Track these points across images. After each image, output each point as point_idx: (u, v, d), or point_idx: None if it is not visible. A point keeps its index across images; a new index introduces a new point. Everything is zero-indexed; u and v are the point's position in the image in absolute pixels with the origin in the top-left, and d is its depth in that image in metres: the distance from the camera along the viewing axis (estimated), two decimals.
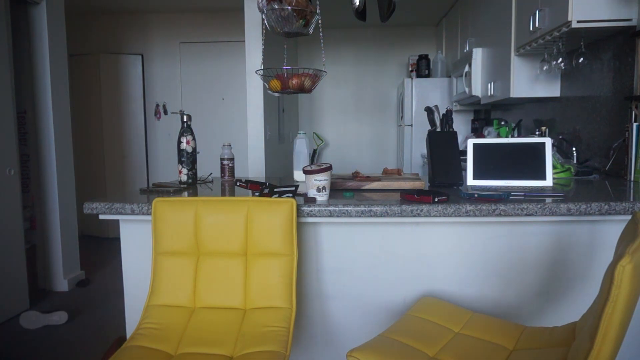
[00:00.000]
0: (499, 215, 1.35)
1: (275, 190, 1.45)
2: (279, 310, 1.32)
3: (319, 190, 1.44)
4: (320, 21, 1.82)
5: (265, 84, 1.90)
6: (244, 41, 3.87)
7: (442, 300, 1.45)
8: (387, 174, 1.95)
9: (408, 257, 1.51)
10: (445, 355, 1.13)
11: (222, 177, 2.10)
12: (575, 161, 2.39)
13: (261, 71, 1.93)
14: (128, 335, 1.56)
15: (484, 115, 4.53)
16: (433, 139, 1.76)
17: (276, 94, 2.17)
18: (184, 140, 1.84)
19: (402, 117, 4.88)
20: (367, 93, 5.53)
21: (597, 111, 2.43)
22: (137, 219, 1.52)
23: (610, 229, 1.47)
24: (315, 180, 1.44)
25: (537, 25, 2.39)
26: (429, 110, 1.80)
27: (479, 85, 3.57)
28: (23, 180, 3.25)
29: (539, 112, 3.19)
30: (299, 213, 1.39)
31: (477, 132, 4.33)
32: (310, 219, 1.43)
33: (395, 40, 5.44)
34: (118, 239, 4.72)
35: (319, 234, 1.52)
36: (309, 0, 1.77)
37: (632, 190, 1.60)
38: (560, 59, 2.43)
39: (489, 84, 3.29)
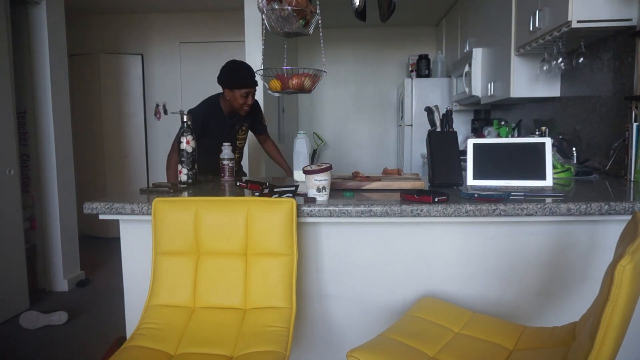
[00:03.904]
0: (499, 215, 1.35)
1: (275, 190, 1.45)
2: (279, 310, 1.32)
3: (319, 190, 1.44)
4: (320, 21, 1.82)
5: (265, 84, 1.90)
6: (244, 41, 3.87)
7: (442, 300, 1.45)
8: (387, 174, 1.95)
9: (408, 257, 1.51)
10: (445, 355, 1.13)
11: (222, 177, 2.10)
12: (575, 161, 2.39)
13: (261, 71, 1.93)
14: (128, 335, 1.56)
15: (484, 115, 4.53)
16: (433, 139, 1.76)
17: (276, 94, 2.17)
18: (184, 140, 1.84)
19: (402, 117, 4.87)
20: (367, 93, 5.52)
21: (597, 111, 2.43)
22: (137, 219, 1.52)
23: (610, 229, 1.47)
24: (315, 180, 1.44)
25: (537, 25, 2.39)
26: (429, 110, 1.80)
27: (479, 85, 3.57)
28: (23, 180, 3.25)
29: (539, 112, 3.19)
30: (299, 213, 1.39)
31: (477, 132, 4.33)
32: (310, 219, 1.43)
33: (395, 40, 5.44)
34: (118, 239, 4.75)
35: (319, 234, 1.52)
36: (309, 0, 1.77)
37: (632, 190, 1.60)
38: (560, 59, 2.42)
39: (489, 84, 3.29)
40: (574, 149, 2.46)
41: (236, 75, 2.34)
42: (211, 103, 2.51)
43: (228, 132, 2.52)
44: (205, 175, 2.57)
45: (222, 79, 2.39)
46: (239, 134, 2.62)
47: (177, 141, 2.49)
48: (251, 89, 2.37)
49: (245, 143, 2.73)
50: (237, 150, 2.65)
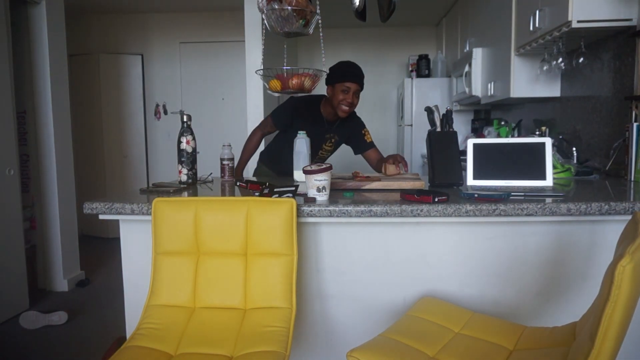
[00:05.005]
0: (499, 215, 1.35)
1: (275, 190, 1.45)
2: (279, 310, 1.32)
3: (319, 190, 1.44)
4: (320, 21, 1.82)
5: (265, 84, 1.90)
6: (244, 41, 3.87)
7: (442, 300, 1.45)
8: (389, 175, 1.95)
9: (408, 257, 1.51)
10: (445, 355, 1.13)
11: (222, 177, 2.10)
12: (575, 161, 2.39)
13: (261, 71, 1.93)
14: (128, 335, 1.56)
15: (484, 115, 4.52)
16: (433, 139, 1.76)
17: (276, 94, 2.17)
18: (184, 140, 1.84)
19: (402, 117, 4.87)
20: (367, 93, 5.51)
21: (597, 111, 2.43)
22: (137, 219, 1.52)
23: (610, 229, 1.47)
24: (315, 180, 1.44)
25: (537, 25, 2.39)
26: (429, 110, 1.79)
27: (479, 85, 3.57)
28: (23, 180, 3.25)
29: (539, 112, 3.19)
30: (299, 213, 1.38)
31: (477, 132, 4.33)
32: (310, 219, 1.43)
33: (395, 40, 5.44)
34: (118, 239, 4.74)
35: (319, 234, 1.52)
36: (309, 0, 1.77)
37: (632, 190, 1.60)
38: (560, 59, 2.42)
39: (489, 84, 3.29)
40: (574, 149, 2.46)
41: (338, 67, 2.22)
42: (311, 99, 2.32)
43: (316, 136, 2.27)
44: (269, 170, 2.50)
45: (327, 76, 2.24)
46: (326, 143, 2.40)
47: (264, 121, 2.40)
48: (352, 85, 2.18)
49: (328, 156, 2.50)
50: (318, 161, 2.43)
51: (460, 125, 4.60)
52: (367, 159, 2.46)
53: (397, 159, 2.02)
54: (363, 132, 2.43)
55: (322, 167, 1.44)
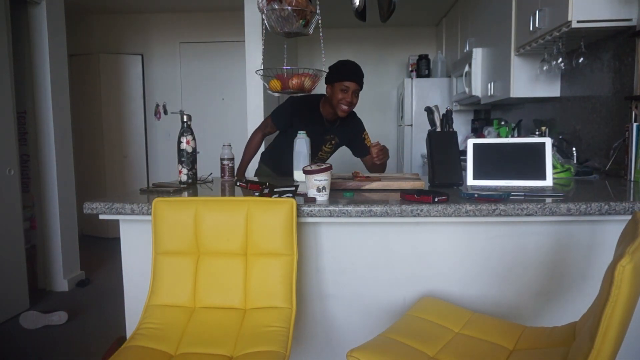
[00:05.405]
0: (499, 215, 1.35)
1: (275, 190, 1.45)
2: (279, 310, 1.32)
3: (319, 190, 1.44)
4: (320, 21, 1.82)
5: (265, 84, 1.90)
6: (244, 41, 3.87)
7: (442, 300, 1.45)
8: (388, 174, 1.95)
9: (408, 257, 1.51)
10: (445, 355, 1.13)
11: (222, 177, 2.10)
12: (575, 161, 2.39)
13: (261, 71, 1.93)
14: (128, 335, 1.56)
15: (484, 115, 4.53)
16: (433, 139, 1.76)
17: (276, 94, 2.17)
18: (184, 140, 1.84)
19: (402, 117, 4.87)
20: (367, 93, 5.51)
21: (597, 111, 2.43)
22: (137, 219, 1.52)
23: (610, 229, 1.47)
24: (315, 180, 1.44)
25: (537, 25, 2.39)
26: (429, 110, 1.79)
27: (479, 85, 3.57)
28: (23, 180, 3.25)
29: (539, 112, 3.19)
30: (299, 213, 1.39)
31: (477, 132, 4.33)
32: (310, 219, 1.43)
33: (395, 40, 5.44)
34: (118, 239, 4.74)
35: (319, 234, 1.52)
36: (309, 0, 1.77)
37: (632, 190, 1.60)
38: (560, 59, 2.42)
39: (489, 84, 3.29)
40: (574, 149, 2.46)
41: (337, 66, 2.22)
42: (310, 99, 2.29)
43: (316, 136, 2.24)
44: (269, 169, 2.53)
45: (326, 75, 2.22)
46: (325, 145, 2.39)
47: (264, 122, 2.40)
48: (351, 84, 2.18)
49: (327, 157, 2.48)
50: (317, 162, 2.40)
51: (460, 125, 4.60)
52: (364, 161, 2.48)
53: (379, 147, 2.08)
54: (363, 135, 2.44)
55: (322, 167, 1.44)
